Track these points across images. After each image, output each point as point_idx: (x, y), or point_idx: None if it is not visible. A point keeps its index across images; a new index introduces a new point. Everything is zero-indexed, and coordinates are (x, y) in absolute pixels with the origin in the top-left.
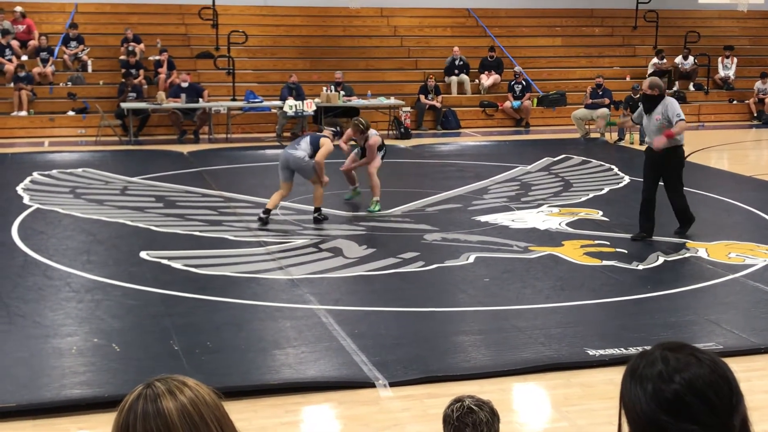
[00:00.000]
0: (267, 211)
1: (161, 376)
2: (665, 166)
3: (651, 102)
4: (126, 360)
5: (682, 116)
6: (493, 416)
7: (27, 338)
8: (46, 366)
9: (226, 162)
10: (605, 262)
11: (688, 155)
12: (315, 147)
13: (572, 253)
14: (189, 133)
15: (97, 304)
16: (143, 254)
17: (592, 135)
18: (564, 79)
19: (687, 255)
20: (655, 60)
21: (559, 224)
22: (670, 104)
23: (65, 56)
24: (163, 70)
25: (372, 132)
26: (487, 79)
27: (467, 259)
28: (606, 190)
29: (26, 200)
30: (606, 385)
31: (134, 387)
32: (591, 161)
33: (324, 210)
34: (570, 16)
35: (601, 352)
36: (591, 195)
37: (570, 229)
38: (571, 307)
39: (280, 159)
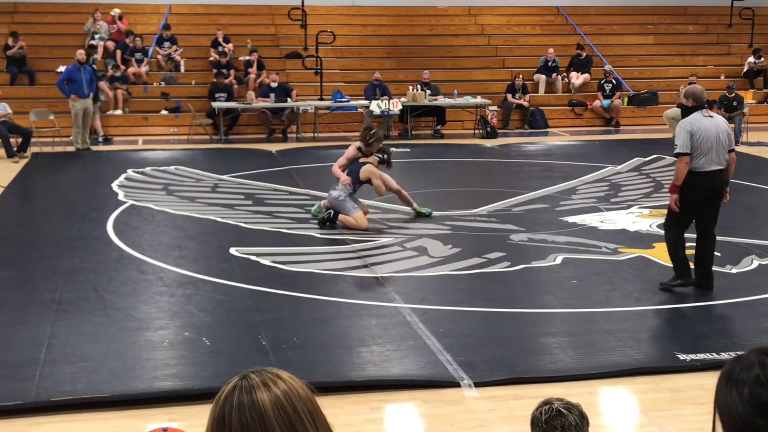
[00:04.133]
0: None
1: (256, 369)
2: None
3: (686, 114)
4: (216, 354)
5: (678, 148)
6: (582, 420)
7: (121, 330)
8: (139, 358)
9: (313, 161)
10: None
11: None
12: (356, 178)
13: (663, 255)
14: (277, 132)
15: (188, 299)
16: (233, 250)
17: None
18: (656, 77)
19: None
20: (751, 59)
21: (650, 226)
22: (678, 126)
23: (159, 56)
24: (253, 70)
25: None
26: (577, 78)
27: (554, 260)
28: None
29: (121, 196)
30: (696, 390)
31: (229, 379)
32: None
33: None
34: (662, 14)
35: (692, 356)
36: None
37: (661, 231)
38: (662, 310)
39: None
